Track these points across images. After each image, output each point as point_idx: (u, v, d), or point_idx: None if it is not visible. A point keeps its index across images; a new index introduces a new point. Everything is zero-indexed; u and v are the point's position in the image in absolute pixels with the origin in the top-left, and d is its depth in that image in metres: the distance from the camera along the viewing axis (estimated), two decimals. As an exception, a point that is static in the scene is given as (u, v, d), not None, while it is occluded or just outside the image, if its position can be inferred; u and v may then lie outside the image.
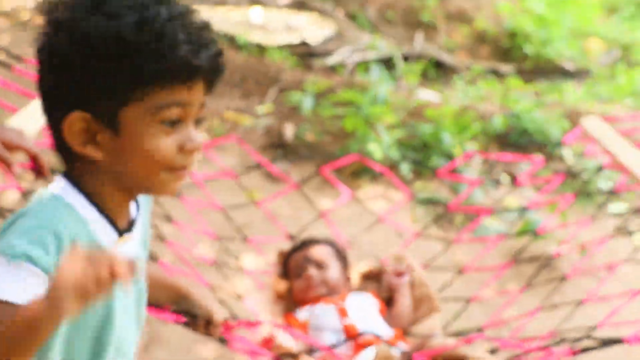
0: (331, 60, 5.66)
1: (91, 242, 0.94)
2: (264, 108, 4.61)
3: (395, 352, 1.88)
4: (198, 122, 0.96)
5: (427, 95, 4.95)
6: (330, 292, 2.18)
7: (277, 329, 1.93)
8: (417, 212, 3.36)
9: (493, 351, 1.86)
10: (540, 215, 3.42)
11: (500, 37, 6.47)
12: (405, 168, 3.78)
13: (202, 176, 2.59)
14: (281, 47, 5.67)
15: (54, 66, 0.90)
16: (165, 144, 0.91)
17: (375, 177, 3.82)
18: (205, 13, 0.96)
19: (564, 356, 1.70)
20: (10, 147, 1.43)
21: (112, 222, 0.98)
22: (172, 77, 0.88)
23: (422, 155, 4.01)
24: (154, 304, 1.24)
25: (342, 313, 2.08)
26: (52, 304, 0.73)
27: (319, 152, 4.00)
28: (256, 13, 6.49)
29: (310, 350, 1.90)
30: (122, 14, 0.86)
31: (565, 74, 5.92)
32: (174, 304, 1.30)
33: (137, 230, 1.05)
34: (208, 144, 2.97)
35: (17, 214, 0.91)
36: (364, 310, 2.12)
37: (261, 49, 5.62)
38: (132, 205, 1.04)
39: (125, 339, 1.05)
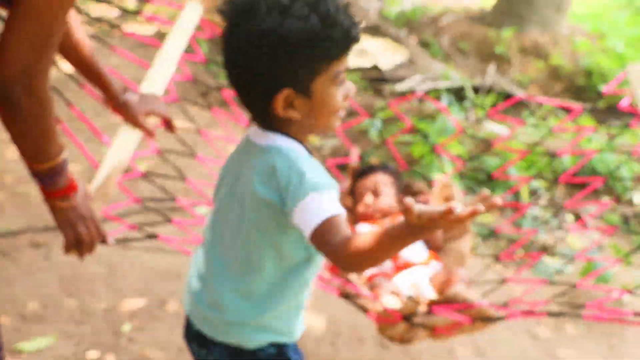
0: (401, 86, 5.67)
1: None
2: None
3: (428, 272, 2.26)
4: None
5: (496, 128, 4.90)
6: (384, 215, 2.53)
7: None
8: (476, 243, 3.32)
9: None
10: (603, 257, 3.34)
11: (576, 75, 6.34)
12: (468, 199, 3.74)
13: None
14: (352, 70, 5.72)
15: (266, 61, 1.17)
16: (339, 97, 1.24)
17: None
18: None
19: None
20: (152, 114, 1.87)
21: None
22: (345, 50, 1.21)
23: (486, 187, 3.97)
24: None
25: None
26: (419, 232, 1.04)
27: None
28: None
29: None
30: (307, 14, 1.14)
31: (641, 116, 5.75)
32: None
33: None
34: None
35: (292, 158, 1.23)
36: None
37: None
38: None
39: None
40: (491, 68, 6.07)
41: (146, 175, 2.19)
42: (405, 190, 2.70)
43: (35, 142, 1.31)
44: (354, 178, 2.71)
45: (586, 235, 3.70)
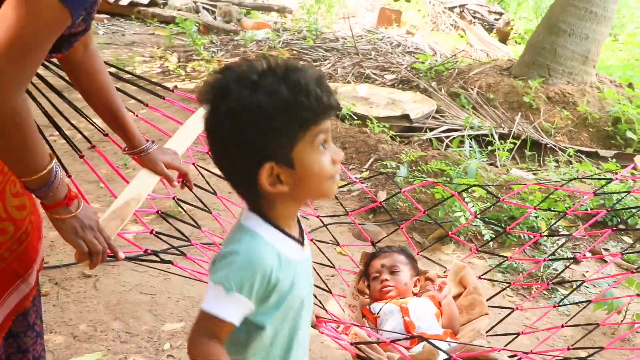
0: (428, 135, 5.91)
1: (283, 261, 1.29)
2: (361, 174, 4.94)
3: (443, 346, 2.16)
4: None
5: (519, 172, 5.10)
6: (399, 294, 2.58)
7: (354, 324, 2.34)
8: (496, 278, 3.49)
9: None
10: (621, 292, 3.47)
11: (603, 122, 6.50)
12: (488, 236, 3.93)
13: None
14: (382, 119, 6.00)
15: (243, 136, 1.20)
16: (326, 160, 1.26)
17: (457, 245, 4.01)
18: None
19: None
20: (169, 167, 2.01)
21: (294, 239, 1.34)
22: (320, 116, 1.22)
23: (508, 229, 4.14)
24: None
25: (405, 312, 2.46)
26: None
27: (408, 218, 4.22)
28: (362, 88, 6.90)
29: (377, 341, 2.22)
30: (276, 88, 1.18)
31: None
32: None
33: (305, 237, 1.41)
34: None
35: (227, 250, 1.26)
36: (422, 311, 2.48)
37: (363, 120, 5.97)
38: (296, 221, 1.39)
39: (304, 338, 1.44)
40: (517, 117, 6.29)
41: (160, 213, 2.35)
42: (420, 274, 2.76)
43: (17, 154, 1.36)
44: (369, 259, 2.77)
45: (605, 272, 3.84)
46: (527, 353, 2.08)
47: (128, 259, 1.89)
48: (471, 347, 2.04)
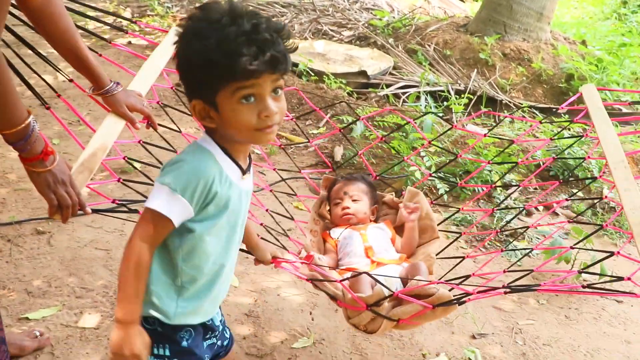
0: (384, 91, 5.92)
1: (222, 179, 1.43)
2: (317, 130, 4.93)
3: (398, 270, 2.40)
4: (275, 91, 1.40)
5: (474, 128, 5.16)
6: (358, 221, 2.73)
7: (316, 252, 2.53)
8: (450, 230, 3.55)
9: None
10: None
11: (557, 79, 6.59)
12: (442, 190, 3.99)
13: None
14: (339, 76, 5.98)
15: (181, 74, 1.40)
16: (246, 114, 1.37)
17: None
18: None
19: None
20: (132, 109, 2.07)
21: (237, 165, 1.48)
22: (239, 76, 1.32)
23: (464, 182, 4.21)
24: None
25: (364, 238, 2.60)
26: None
27: (364, 172, 4.25)
28: (319, 44, 6.84)
29: (337, 266, 2.39)
30: (208, 36, 1.31)
31: (621, 116, 5.97)
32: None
33: (251, 172, 1.58)
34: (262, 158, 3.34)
35: (178, 158, 1.43)
36: (379, 237, 2.63)
37: (320, 76, 5.95)
38: (248, 156, 1.55)
39: (232, 258, 1.61)
40: (473, 73, 6.33)
41: (126, 159, 2.40)
42: (377, 202, 2.90)
43: None
44: (331, 186, 2.91)
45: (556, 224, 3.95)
46: (458, 284, 2.14)
47: (95, 211, 1.91)
48: (413, 283, 2.13)
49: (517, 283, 2.12)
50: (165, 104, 2.75)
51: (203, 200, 1.41)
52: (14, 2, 1.75)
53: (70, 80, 2.30)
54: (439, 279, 2.45)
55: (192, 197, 1.38)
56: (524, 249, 3.19)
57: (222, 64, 1.31)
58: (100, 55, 2.40)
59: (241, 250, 1.98)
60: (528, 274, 2.30)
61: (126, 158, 2.39)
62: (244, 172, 1.51)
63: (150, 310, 1.49)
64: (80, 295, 2.78)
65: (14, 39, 2.14)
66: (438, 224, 2.83)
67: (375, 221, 2.81)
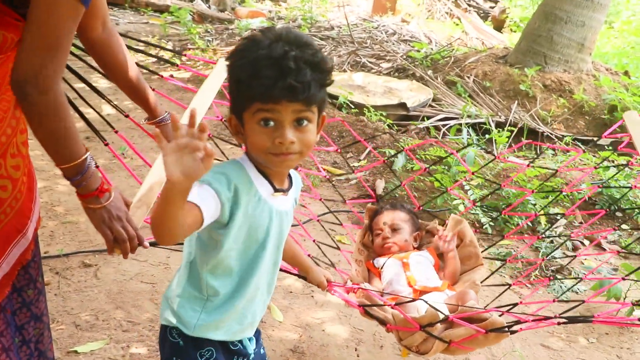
0: (425, 123, 5.91)
1: (251, 191, 1.47)
2: (358, 163, 4.93)
3: (442, 297, 2.43)
4: (299, 122, 1.41)
5: (516, 160, 5.11)
6: (400, 249, 2.76)
7: (362, 281, 2.55)
8: (495, 267, 3.50)
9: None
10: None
11: (599, 110, 6.51)
12: (486, 223, 3.94)
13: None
14: (379, 108, 5.99)
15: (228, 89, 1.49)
16: (262, 137, 1.40)
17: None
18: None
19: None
20: None
21: (269, 181, 1.51)
22: (258, 98, 1.36)
23: (505, 215, 4.16)
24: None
25: (406, 267, 2.63)
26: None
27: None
28: (358, 76, 6.88)
29: (382, 294, 2.39)
30: (245, 56, 1.37)
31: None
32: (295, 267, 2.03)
33: (290, 195, 1.59)
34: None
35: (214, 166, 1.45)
36: (422, 265, 2.66)
37: (360, 108, 5.97)
38: (287, 179, 1.58)
39: (263, 279, 1.58)
40: (514, 105, 6.29)
41: None
42: (420, 228, 2.93)
43: (55, 141, 1.50)
44: (373, 216, 2.95)
45: (602, 258, 3.87)
46: (507, 311, 2.13)
47: (153, 244, 1.91)
48: (466, 308, 2.14)
49: (569, 316, 2.08)
50: (214, 135, 2.79)
51: (229, 200, 1.42)
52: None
53: (126, 116, 2.35)
54: (484, 307, 2.42)
55: (219, 191, 1.39)
56: (572, 278, 3.13)
57: (245, 83, 1.36)
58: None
59: (295, 274, 2.08)
60: (579, 305, 2.26)
61: None
62: (275, 189, 1.52)
63: (173, 319, 1.53)
64: (127, 329, 2.80)
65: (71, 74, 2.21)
66: (484, 279, 2.79)
67: (419, 248, 2.83)
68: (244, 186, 1.45)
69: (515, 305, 2.26)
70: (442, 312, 2.04)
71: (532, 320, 2.02)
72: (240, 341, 1.64)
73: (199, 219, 1.35)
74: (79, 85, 2.32)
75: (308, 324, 2.99)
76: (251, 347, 1.69)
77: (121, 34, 2.56)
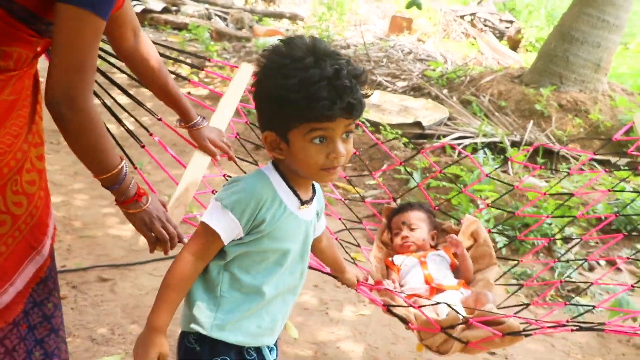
0: (441, 141, 5.92)
1: (276, 203, 1.49)
2: (373, 181, 4.94)
3: (457, 296, 2.52)
4: (347, 134, 1.45)
5: (532, 180, 5.10)
6: (418, 248, 2.85)
7: (380, 278, 2.67)
8: (510, 283, 3.49)
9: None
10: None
11: (615, 130, 6.48)
12: (501, 243, 3.94)
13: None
14: (394, 126, 6.01)
15: (257, 104, 1.48)
16: (315, 154, 1.43)
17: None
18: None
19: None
20: (214, 145, 2.20)
21: (296, 194, 1.53)
22: (314, 119, 1.38)
23: (522, 234, 4.14)
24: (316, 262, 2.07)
25: (423, 265, 2.72)
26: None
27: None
28: (374, 95, 6.90)
29: (405, 305, 2.41)
30: (291, 75, 1.36)
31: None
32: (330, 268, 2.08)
33: (313, 204, 1.62)
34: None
35: (236, 178, 1.52)
36: (439, 264, 2.75)
37: (376, 126, 5.98)
38: (310, 189, 1.60)
39: (288, 281, 1.61)
40: (529, 124, 6.28)
41: (214, 192, 2.47)
42: (437, 227, 3.01)
43: (92, 154, 1.56)
44: (391, 215, 3.01)
45: (619, 278, 3.84)
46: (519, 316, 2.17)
47: None
48: (485, 312, 2.18)
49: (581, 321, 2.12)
50: (243, 137, 2.84)
51: (252, 220, 1.46)
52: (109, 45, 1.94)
53: (159, 119, 2.43)
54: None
55: (242, 216, 1.44)
56: (587, 305, 3.11)
57: (301, 105, 1.36)
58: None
59: (328, 274, 2.16)
60: (596, 325, 2.26)
61: (214, 191, 2.47)
62: (302, 202, 1.55)
63: (190, 322, 1.56)
64: (143, 343, 2.82)
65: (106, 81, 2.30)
66: (497, 279, 2.82)
67: (435, 247, 2.92)
68: (268, 201, 1.48)
69: (527, 305, 2.38)
70: (461, 315, 2.11)
71: (548, 327, 2.12)
72: (258, 350, 1.63)
73: (218, 243, 1.47)
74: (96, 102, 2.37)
75: (322, 341, 2.99)
76: (271, 358, 1.67)
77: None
